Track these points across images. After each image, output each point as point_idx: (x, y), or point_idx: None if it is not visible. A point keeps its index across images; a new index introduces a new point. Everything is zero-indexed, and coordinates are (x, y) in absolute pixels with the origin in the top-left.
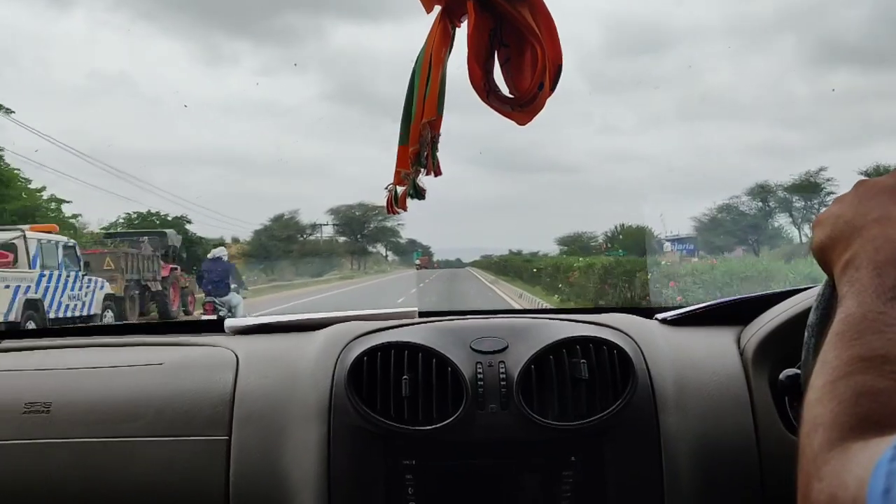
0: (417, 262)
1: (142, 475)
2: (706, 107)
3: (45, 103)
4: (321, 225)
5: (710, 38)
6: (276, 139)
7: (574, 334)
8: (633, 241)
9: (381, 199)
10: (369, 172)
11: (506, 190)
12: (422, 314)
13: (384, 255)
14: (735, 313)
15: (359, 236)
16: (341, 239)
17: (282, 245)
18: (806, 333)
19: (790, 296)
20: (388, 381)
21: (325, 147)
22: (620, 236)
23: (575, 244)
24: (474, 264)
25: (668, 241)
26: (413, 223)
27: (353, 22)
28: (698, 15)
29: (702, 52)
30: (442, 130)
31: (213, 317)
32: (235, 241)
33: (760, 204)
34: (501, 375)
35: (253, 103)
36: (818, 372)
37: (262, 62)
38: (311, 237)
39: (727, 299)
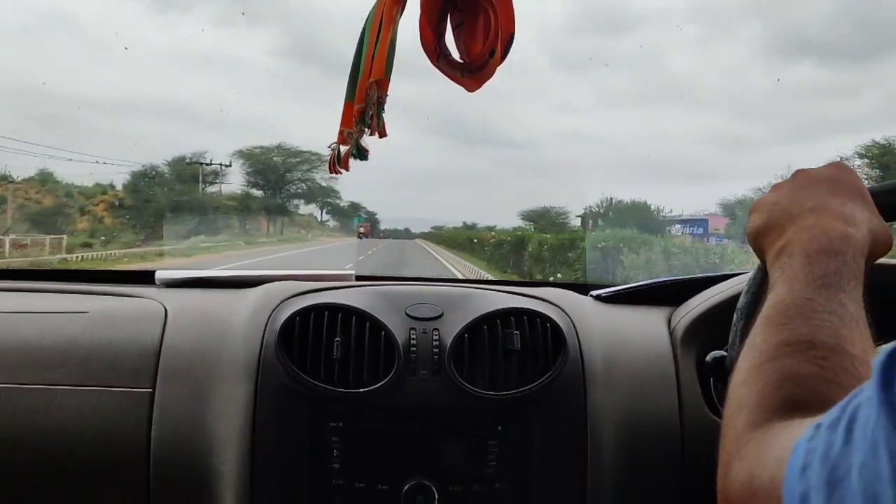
0: (361, 228)
1: (62, 424)
2: (665, 92)
3: None
4: (204, 163)
5: (675, 22)
6: (225, 93)
7: (508, 305)
8: (630, 220)
9: (305, 145)
10: (321, 134)
11: (459, 163)
12: (359, 278)
13: (319, 217)
14: (669, 294)
15: (279, 191)
16: (257, 192)
17: (172, 196)
18: (735, 316)
19: (723, 280)
20: (320, 343)
21: (274, 105)
22: (610, 213)
23: (543, 220)
24: (425, 236)
25: (678, 222)
26: (357, 188)
27: None
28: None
29: (666, 35)
30: (396, 98)
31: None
32: (98, 187)
33: (880, 173)
34: (434, 342)
35: (202, 54)
36: (745, 355)
37: (215, 11)
38: (213, 187)
39: (662, 280)
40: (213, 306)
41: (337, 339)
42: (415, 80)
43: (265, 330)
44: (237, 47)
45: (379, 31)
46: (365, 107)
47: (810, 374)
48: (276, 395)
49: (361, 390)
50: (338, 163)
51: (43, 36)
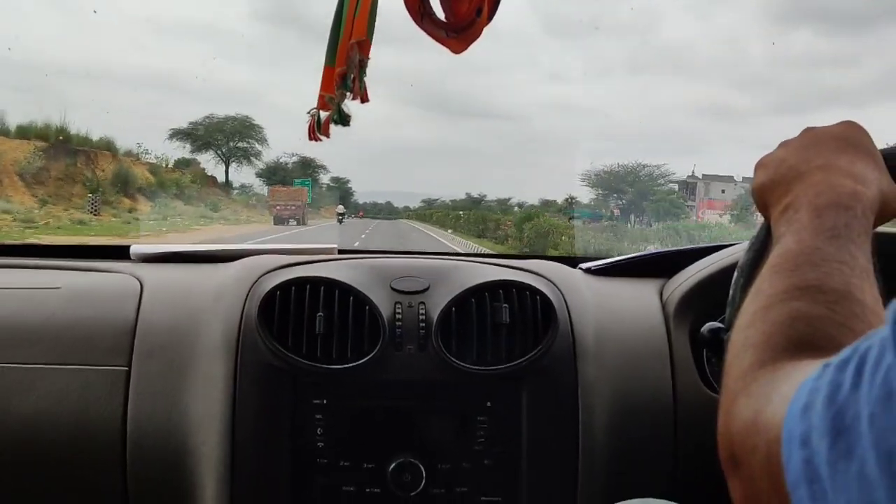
0: (280, 206)
1: (34, 404)
2: (658, 60)
3: None
4: None
5: None
6: (202, 61)
7: (497, 278)
8: None
9: (288, 114)
10: (303, 102)
11: (446, 134)
12: (341, 251)
13: (226, 179)
14: (659, 266)
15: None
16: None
17: None
18: (735, 273)
19: (715, 251)
20: (302, 318)
21: (255, 72)
22: None
23: (627, 185)
24: (417, 216)
25: None
26: (329, 158)
27: None
28: None
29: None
30: (376, 65)
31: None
32: None
33: None
34: (421, 316)
35: (178, 20)
36: (751, 300)
37: None
38: None
39: (653, 252)
40: (191, 281)
41: (320, 313)
42: (397, 47)
43: (245, 305)
44: (214, 11)
45: None
46: (346, 70)
47: (820, 316)
48: (257, 371)
49: (345, 366)
50: (318, 129)
51: None
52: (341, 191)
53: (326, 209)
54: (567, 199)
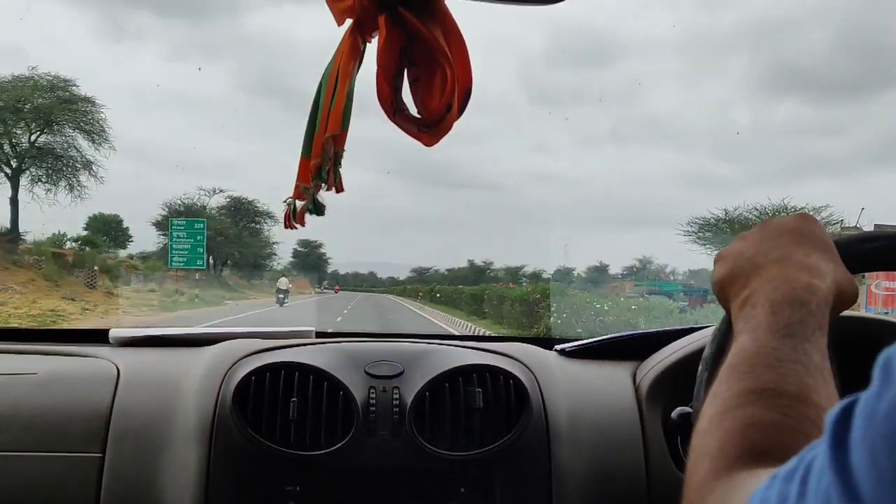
0: None
1: (6, 492)
2: (644, 130)
3: None
4: None
5: (660, 55)
6: (185, 134)
7: (471, 362)
8: None
9: (273, 191)
10: (287, 176)
11: (434, 205)
12: (319, 334)
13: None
14: (633, 348)
15: None
16: None
17: None
18: (700, 367)
19: (688, 333)
20: (276, 403)
21: (237, 144)
22: None
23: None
24: (413, 292)
25: None
26: (311, 229)
27: (274, 2)
28: (653, 27)
29: (650, 69)
30: (366, 138)
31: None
32: None
33: None
34: (395, 401)
35: (160, 91)
36: (709, 403)
37: (172, 45)
38: None
39: (626, 333)
40: (168, 366)
41: (293, 399)
42: (379, 120)
43: (220, 390)
44: (198, 85)
45: (335, 86)
46: (321, 162)
47: (774, 423)
48: (231, 457)
49: (318, 452)
50: (293, 218)
51: None
52: (312, 257)
53: (297, 281)
54: (597, 267)
